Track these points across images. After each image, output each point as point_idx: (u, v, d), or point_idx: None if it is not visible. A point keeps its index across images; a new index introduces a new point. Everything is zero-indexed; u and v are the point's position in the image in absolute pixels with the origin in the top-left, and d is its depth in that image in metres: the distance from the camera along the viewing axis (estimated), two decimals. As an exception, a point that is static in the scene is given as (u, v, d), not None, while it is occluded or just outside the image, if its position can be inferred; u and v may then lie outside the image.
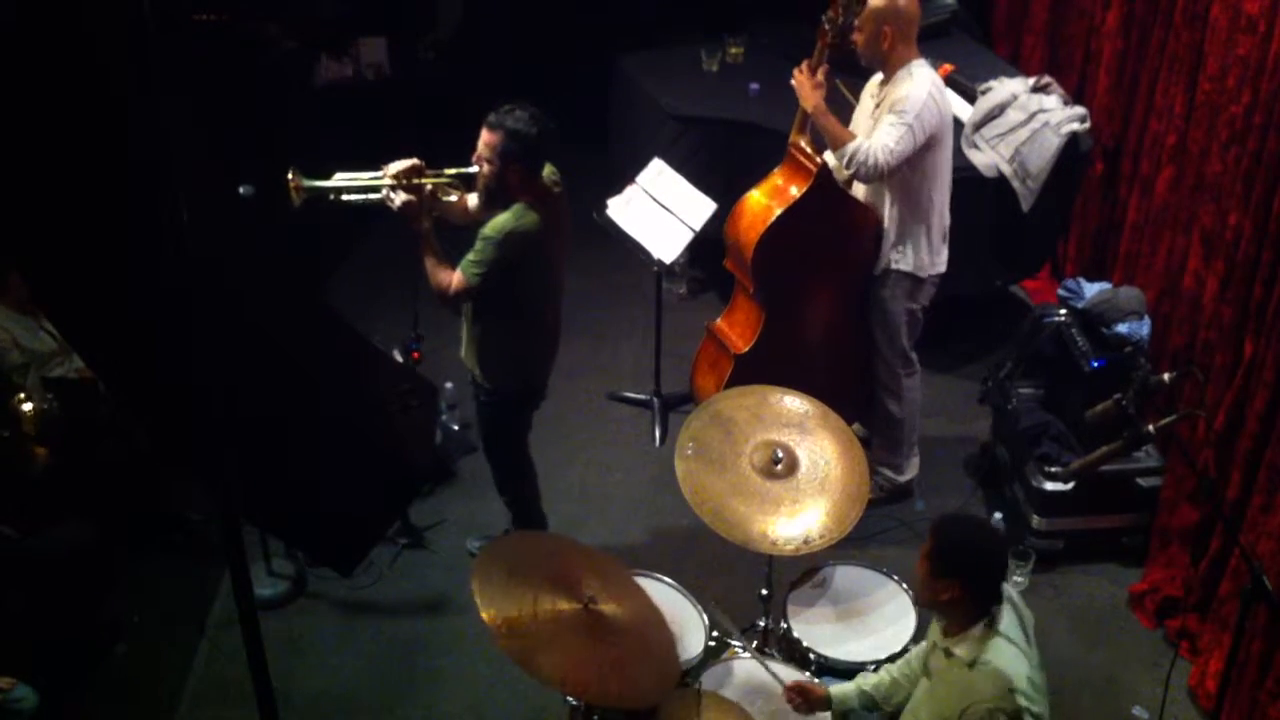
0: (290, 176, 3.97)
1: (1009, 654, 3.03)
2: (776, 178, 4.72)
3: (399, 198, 4.03)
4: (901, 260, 4.62)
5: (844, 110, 4.95)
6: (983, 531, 3.26)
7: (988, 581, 3.09)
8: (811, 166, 4.56)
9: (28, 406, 4.32)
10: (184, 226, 2.04)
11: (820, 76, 4.48)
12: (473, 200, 4.24)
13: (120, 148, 2.19)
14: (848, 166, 4.41)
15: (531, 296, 4.19)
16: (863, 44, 4.44)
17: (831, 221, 4.67)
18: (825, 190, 4.56)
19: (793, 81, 4.53)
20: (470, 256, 4.02)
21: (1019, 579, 4.66)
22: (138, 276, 2.29)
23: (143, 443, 4.56)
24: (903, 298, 4.70)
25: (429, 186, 4.07)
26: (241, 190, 4.15)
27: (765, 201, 4.69)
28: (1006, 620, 3.08)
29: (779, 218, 4.61)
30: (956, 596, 3.07)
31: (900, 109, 4.34)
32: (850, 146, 4.40)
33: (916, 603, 3.82)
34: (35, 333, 4.54)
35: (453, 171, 4.12)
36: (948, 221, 4.68)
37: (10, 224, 2.30)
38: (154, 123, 1.99)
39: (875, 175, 4.41)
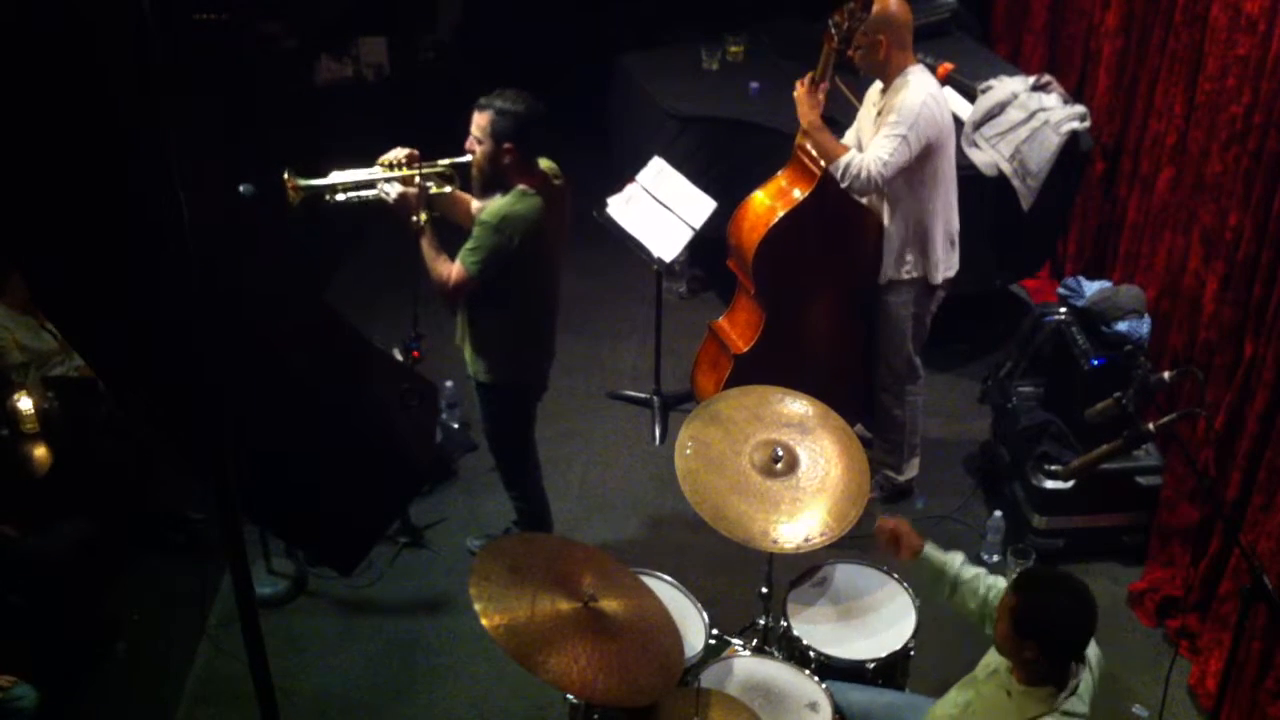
0: (286, 177, 3.97)
1: None
2: (781, 179, 4.72)
3: (394, 190, 4.02)
4: (909, 269, 4.62)
5: (846, 110, 4.96)
6: (1071, 595, 2.99)
7: (1070, 648, 2.96)
8: (816, 169, 4.56)
9: (27, 405, 4.32)
10: (185, 227, 2.03)
11: (821, 95, 4.48)
12: (475, 204, 4.22)
13: (120, 148, 2.19)
14: (842, 180, 4.40)
15: (529, 286, 4.15)
16: (859, 56, 4.43)
17: (835, 224, 4.67)
18: (829, 193, 4.55)
19: (794, 94, 4.53)
20: (468, 245, 3.99)
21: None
22: (138, 276, 2.29)
23: (143, 441, 4.57)
24: (910, 304, 4.69)
25: (418, 179, 4.05)
26: (241, 190, 4.15)
27: (769, 203, 4.69)
28: (1084, 684, 2.99)
29: (781, 219, 4.61)
30: (1036, 658, 2.97)
31: (894, 120, 4.33)
32: (843, 160, 4.39)
33: (916, 601, 3.82)
34: (37, 332, 4.54)
35: (446, 161, 4.10)
36: (956, 226, 4.67)
37: (10, 225, 2.30)
38: (154, 123, 1.99)
39: (870, 188, 4.41)
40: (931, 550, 3.47)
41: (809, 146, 4.58)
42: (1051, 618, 2.94)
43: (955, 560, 3.46)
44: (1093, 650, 3.09)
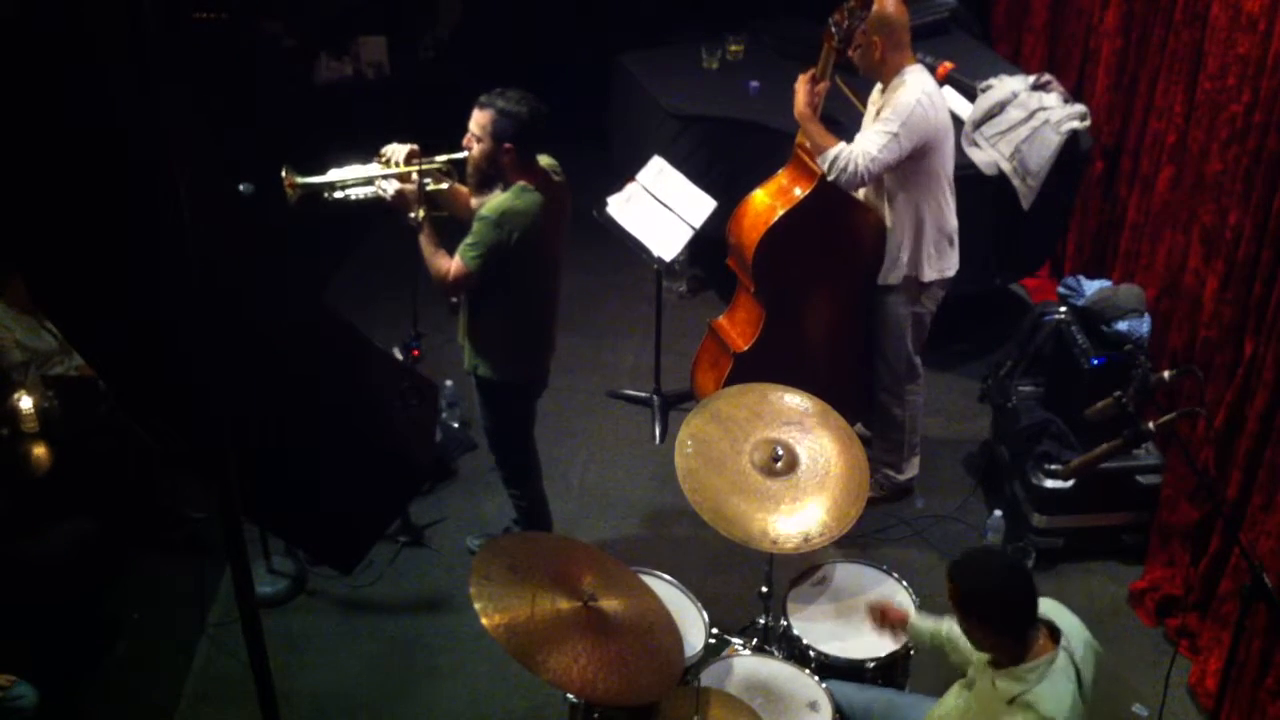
0: (284, 174, 3.97)
1: (1048, 701, 2.96)
2: (781, 178, 4.72)
3: (391, 188, 4.02)
4: (905, 268, 4.61)
5: (846, 110, 4.96)
6: (999, 570, 3.05)
7: (1013, 616, 3.00)
8: (816, 168, 4.55)
9: (27, 404, 4.32)
10: (185, 226, 2.04)
11: (821, 89, 4.48)
12: (474, 199, 4.23)
13: (120, 148, 2.19)
14: (829, 172, 4.40)
15: (530, 282, 4.15)
16: (858, 56, 4.44)
17: (834, 223, 4.67)
18: (828, 192, 4.55)
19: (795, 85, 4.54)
20: (467, 240, 3.98)
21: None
22: (138, 276, 2.29)
23: (143, 441, 4.56)
24: (908, 302, 4.68)
25: (415, 175, 4.04)
26: (241, 189, 4.15)
27: (768, 201, 4.69)
28: (1061, 660, 3.01)
29: (781, 218, 4.61)
30: (992, 639, 3.03)
31: (887, 116, 4.34)
32: (831, 152, 4.39)
33: (916, 601, 3.82)
34: (37, 331, 4.54)
35: (444, 158, 4.11)
36: (953, 225, 4.66)
37: (11, 225, 2.31)
38: (154, 123, 1.99)
39: (857, 182, 4.41)
40: (917, 619, 3.59)
41: (808, 144, 4.58)
42: (983, 589, 3.00)
43: (939, 623, 3.52)
44: (1079, 637, 3.10)
